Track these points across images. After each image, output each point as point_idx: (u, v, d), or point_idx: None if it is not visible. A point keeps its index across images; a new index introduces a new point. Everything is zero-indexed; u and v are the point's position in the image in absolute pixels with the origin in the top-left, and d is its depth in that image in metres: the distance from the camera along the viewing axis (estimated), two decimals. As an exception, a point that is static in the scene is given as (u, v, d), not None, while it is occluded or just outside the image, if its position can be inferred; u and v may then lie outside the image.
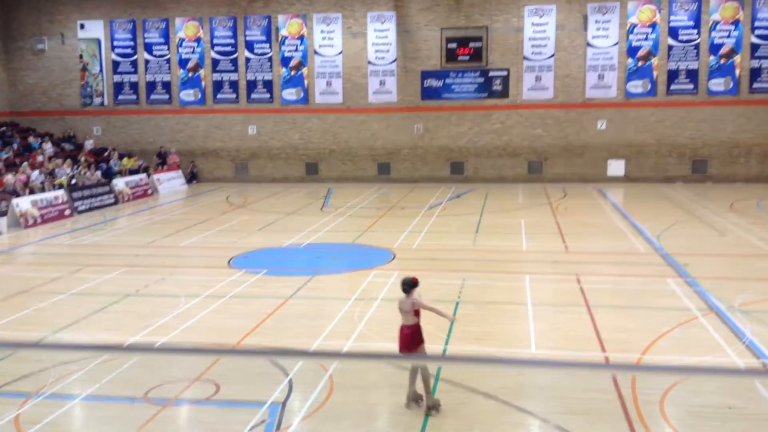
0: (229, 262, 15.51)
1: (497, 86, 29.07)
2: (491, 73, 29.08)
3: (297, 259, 16.21)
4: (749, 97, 27.45)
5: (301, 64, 30.43)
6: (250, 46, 30.69)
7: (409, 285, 7.98)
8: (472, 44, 29.01)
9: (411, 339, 7.91)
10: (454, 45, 29.12)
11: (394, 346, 9.93)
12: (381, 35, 29.68)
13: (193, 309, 11.96)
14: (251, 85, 30.88)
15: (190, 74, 31.26)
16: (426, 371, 7.82)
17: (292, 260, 16.08)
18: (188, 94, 31.40)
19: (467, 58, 29.12)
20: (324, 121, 30.58)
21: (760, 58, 27.22)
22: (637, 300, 12.18)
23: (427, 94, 29.66)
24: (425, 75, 29.58)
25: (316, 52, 30.24)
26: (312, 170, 30.91)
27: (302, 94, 30.55)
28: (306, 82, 30.47)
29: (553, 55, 28.55)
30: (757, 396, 8.12)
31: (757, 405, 7.94)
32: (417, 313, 7.97)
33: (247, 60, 30.78)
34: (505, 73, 28.98)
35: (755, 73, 27.32)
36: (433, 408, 7.83)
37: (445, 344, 10.02)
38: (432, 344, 9.99)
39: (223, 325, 11.06)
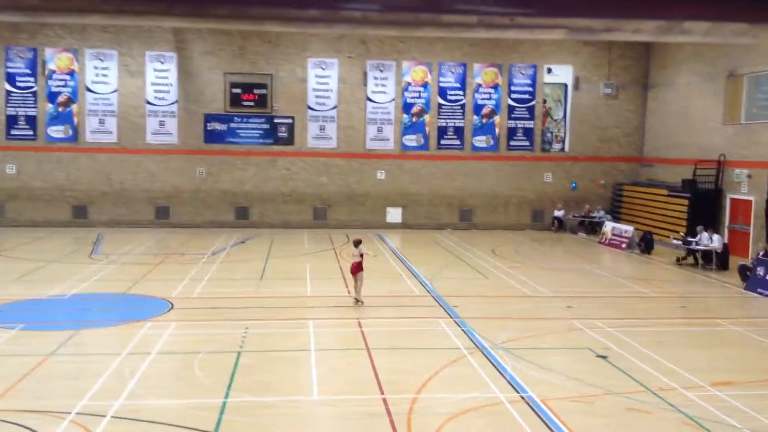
0: (-24, 317, 13.65)
1: (282, 133, 29.40)
2: (276, 120, 29.37)
3: (60, 311, 14.72)
4: (507, 154, 30.64)
5: (70, 101, 28.29)
6: (11, 78, 27.92)
7: (359, 242, 15.55)
8: (256, 90, 29.14)
9: (357, 267, 15.16)
10: (238, 90, 29.03)
11: (169, 402, 9.40)
12: (161, 75, 28.66)
13: (-74, 374, 10.29)
14: (12, 121, 28.02)
15: (-66, 104, 27.58)
16: (360, 282, 15.26)
17: (55, 313, 14.58)
18: (-69, 126, 27.62)
19: (252, 104, 29.17)
20: (95, 161, 28.56)
21: (515, 119, 30.60)
22: (412, 341, 12.78)
23: (211, 137, 29.10)
24: (209, 118, 29.04)
25: (88, 89, 28.34)
26: (80, 213, 28.57)
27: (71, 132, 28.33)
28: (76, 119, 28.34)
29: (336, 107, 29.61)
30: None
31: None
32: (360, 256, 15.19)
33: (8, 93, 27.94)
34: (290, 120, 29.43)
35: (512, 132, 30.62)
36: (360, 301, 15.29)
37: (225, 397, 9.65)
38: (211, 398, 9.59)
39: (-34, 391, 9.63)
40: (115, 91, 28.51)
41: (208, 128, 29.08)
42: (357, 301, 15.40)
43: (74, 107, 28.35)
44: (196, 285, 17.26)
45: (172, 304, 15.09)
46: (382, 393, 9.93)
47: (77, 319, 13.82)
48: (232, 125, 29.17)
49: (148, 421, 8.74)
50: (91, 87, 28.38)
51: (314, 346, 12.24)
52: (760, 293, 17.40)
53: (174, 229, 28.38)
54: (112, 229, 27.86)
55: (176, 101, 28.84)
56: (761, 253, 19.05)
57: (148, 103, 28.71)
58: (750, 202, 23.09)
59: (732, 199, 24.10)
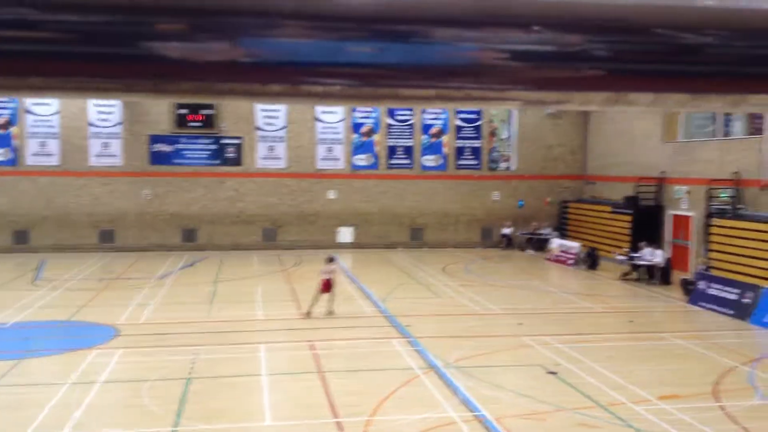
0: None
1: (231, 154, 29.11)
2: (224, 141, 29.07)
3: (1, 340, 14.16)
4: (455, 173, 31.01)
5: (9, 123, 27.44)
6: (-55, 98, 26.98)
7: (332, 259, 16.47)
8: (203, 111, 28.82)
9: (327, 285, 15.89)
10: (185, 111, 28.66)
11: (116, 433, 9.11)
12: (105, 96, 28.04)
13: None
14: (-54, 142, 27.02)
15: None
16: (332, 297, 16.09)
17: (-6, 343, 14.02)
18: None
19: (199, 124, 28.82)
20: (36, 185, 27.71)
21: (463, 138, 31.05)
22: (365, 362, 12.73)
23: (157, 158, 28.59)
24: (154, 139, 28.55)
25: (27, 111, 27.55)
26: (21, 239, 27.63)
27: (11, 155, 27.44)
28: (15, 142, 27.49)
29: (284, 127, 29.51)
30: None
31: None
32: (331, 273, 15.97)
33: (-58, 114, 26.96)
34: (238, 141, 29.18)
35: (460, 152, 31.04)
36: (331, 312, 16.10)
37: (175, 425, 9.42)
38: (160, 427, 9.34)
39: None
40: (56, 113, 27.78)
41: (154, 150, 28.57)
42: (308, 313, 16.14)
43: (13, 130, 27.50)
44: (143, 310, 16.85)
45: (119, 331, 14.69)
46: (336, 417, 9.86)
47: (20, 348, 13.31)
48: (179, 146, 28.74)
49: (95, 453, 8.46)
50: (32, 109, 27.60)
51: (266, 371, 12.07)
52: (702, 306, 17.96)
53: (119, 253, 27.68)
54: (55, 254, 26.98)
55: (120, 122, 28.29)
56: (701, 268, 19.71)
57: (91, 124, 28.07)
58: (689, 218, 23.90)
59: (673, 215, 24.90)
